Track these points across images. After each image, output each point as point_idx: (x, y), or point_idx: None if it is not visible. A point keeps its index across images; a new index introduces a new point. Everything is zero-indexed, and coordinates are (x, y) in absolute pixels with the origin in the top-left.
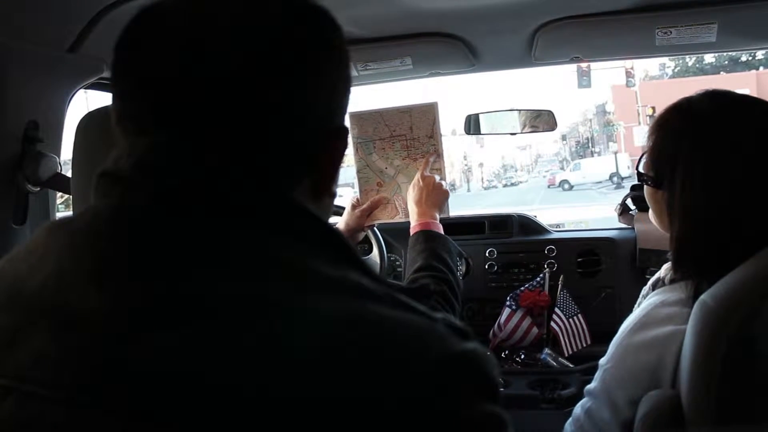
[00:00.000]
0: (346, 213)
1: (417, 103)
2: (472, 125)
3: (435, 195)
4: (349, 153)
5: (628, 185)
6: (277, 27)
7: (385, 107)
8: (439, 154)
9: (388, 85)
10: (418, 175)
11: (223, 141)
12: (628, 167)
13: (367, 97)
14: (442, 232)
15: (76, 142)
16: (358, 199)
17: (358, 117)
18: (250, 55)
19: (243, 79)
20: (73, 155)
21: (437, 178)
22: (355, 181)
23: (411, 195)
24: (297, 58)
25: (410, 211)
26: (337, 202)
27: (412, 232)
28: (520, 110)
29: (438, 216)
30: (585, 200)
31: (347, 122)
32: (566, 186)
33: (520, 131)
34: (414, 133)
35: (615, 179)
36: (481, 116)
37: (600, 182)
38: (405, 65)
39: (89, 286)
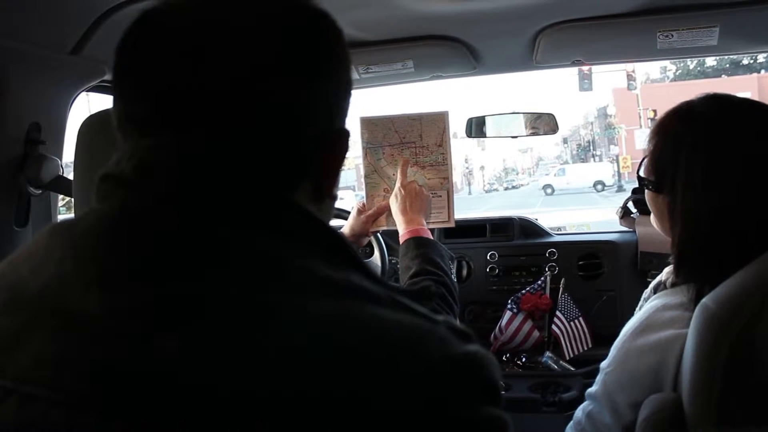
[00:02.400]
0: (351, 218)
1: (428, 111)
2: (474, 128)
3: (419, 202)
4: (350, 156)
5: (611, 193)
6: (279, 30)
7: (396, 114)
8: (447, 163)
9: (389, 87)
10: (398, 184)
11: (224, 143)
12: (613, 176)
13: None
14: (431, 237)
15: (78, 144)
16: (364, 204)
17: (369, 122)
18: (251, 57)
19: (244, 82)
20: (75, 158)
21: (417, 185)
22: (356, 184)
23: (394, 204)
24: (298, 60)
25: (396, 221)
26: (338, 204)
27: (401, 240)
28: (521, 113)
29: (424, 222)
30: (586, 203)
31: (357, 127)
32: (549, 190)
33: (521, 134)
34: (423, 141)
35: (599, 187)
36: (482, 119)
37: (583, 189)
38: (406, 68)
39: (90, 289)
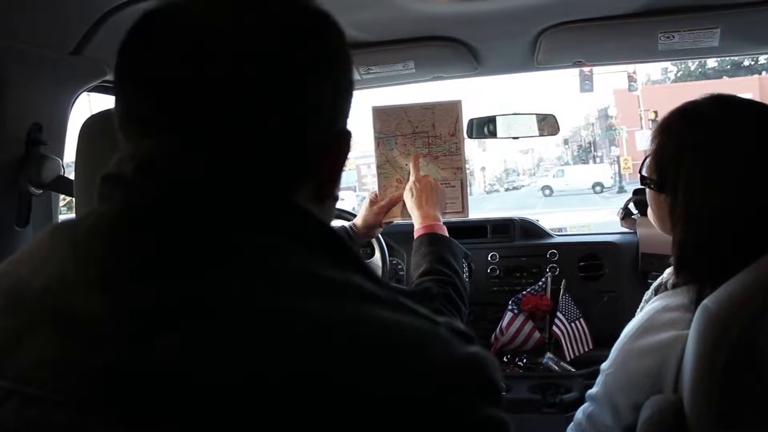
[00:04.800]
0: (363, 208)
1: (441, 100)
2: (475, 129)
3: (434, 196)
4: (351, 156)
5: (612, 195)
6: (281, 30)
7: (409, 103)
8: (460, 153)
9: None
10: (412, 178)
11: (225, 143)
12: (612, 177)
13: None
14: (446, 233)
15: (79, 144)
16: (376, 195)
17: (381, 112)
18: (252, 58)
19: (245, 82)
20: (76, 158)
21: (431, 179)
22: (357, 185)
23: (409, 199)
24: (300, 61)
25: (412, 215)
26: (338, 205)
27: (415, 235)
28: (522, 114)
29: (440, 216)
30: (587, 205)
31: (370, 116)
32: (547, 192)
33: (522, 135)
34: (436, 131)
35: (597, 189)
36: (483, 120)
37: (582, 190)
38: (408, 69)
39: (91, 289)
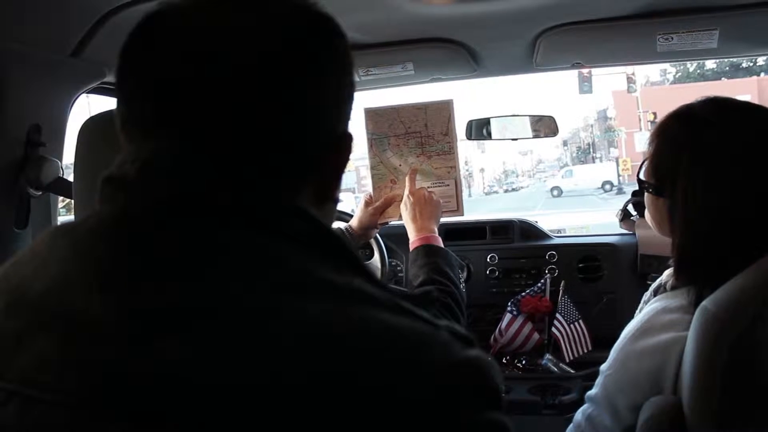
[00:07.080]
0: (359, 210)
1: (432, 100)
2: (474, 131)
3: (429, 208)
4: (351, 158)
5: (611, 196)
6: (282, 32)
7: (401, 104)
8: (453, 152)
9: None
10: (407, 192)
11: (226, 144)
12: (620, 176)
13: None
14: (441, 244)
15: (78, 146)
16: (371, 196)
17: (373, 113)
18: (254, 59)
19: (245, 83)
20: (75, 159)
21: (426, 191)
22: (357, 186)
23: (405, 212)
24: (302, 62)
25: (407, 228)
26: (338, 207)
27: (411, 247)
28: (521, 115)
29: (435, 228)
30: (587, 206)
31: (362, 118)
32: (555, 192)
33: (521, 137)
34: (429, 130)
35: (607, 187)
36: (482, 122)
37: (591, 190)
38: (407, 71)
39: (92, 290)
